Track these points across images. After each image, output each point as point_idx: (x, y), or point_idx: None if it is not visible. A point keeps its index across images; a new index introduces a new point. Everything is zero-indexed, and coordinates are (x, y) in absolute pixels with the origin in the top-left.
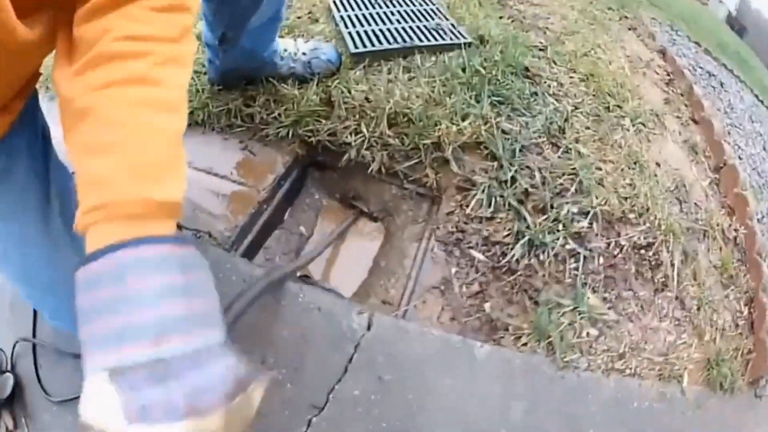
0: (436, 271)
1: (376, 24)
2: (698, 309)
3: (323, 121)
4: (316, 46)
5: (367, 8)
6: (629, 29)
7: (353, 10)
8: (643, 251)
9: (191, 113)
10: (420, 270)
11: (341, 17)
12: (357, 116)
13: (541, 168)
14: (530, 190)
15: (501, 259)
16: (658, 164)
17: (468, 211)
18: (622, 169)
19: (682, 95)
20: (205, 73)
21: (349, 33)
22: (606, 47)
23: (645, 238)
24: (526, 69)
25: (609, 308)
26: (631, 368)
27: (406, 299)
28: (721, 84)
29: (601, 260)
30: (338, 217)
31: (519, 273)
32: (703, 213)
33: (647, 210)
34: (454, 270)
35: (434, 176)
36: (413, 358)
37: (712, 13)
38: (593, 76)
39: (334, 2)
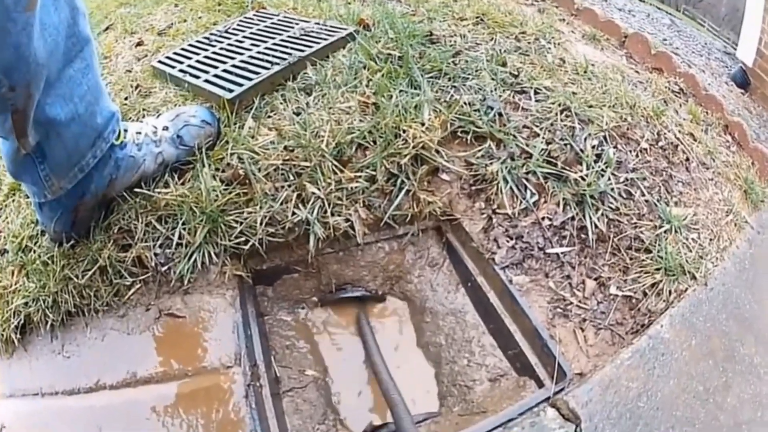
0: (539, 302)
1: (232, 58)
2: (713, 160)
3: (246, 210)
4: (177, 112)
5: (206, 49)
6: None
7: (192, 56)
8: (656, 142)
9: (50, 307)
10: (520, 315)
11: (183, 71)
12: (289, 176)
13: (533, 122)
14: (544, 148)
15: (581, 234)
16: (592, 64)
17: (506, 210)
18: (582, 83)
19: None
20: (43, 233)
21: (207, 80)
22: None
23: (651, 132)
24: (430, 33)
25: (686, 207)
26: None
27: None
28: None
29: (647, 173)
30: (340, 324)
31: (607, 234)
32: (647, 84)
33: (633, 106)
34: (551, 284)
35: (431, 197)
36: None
37: None
38: (485, 16)
39: (161, 61)
